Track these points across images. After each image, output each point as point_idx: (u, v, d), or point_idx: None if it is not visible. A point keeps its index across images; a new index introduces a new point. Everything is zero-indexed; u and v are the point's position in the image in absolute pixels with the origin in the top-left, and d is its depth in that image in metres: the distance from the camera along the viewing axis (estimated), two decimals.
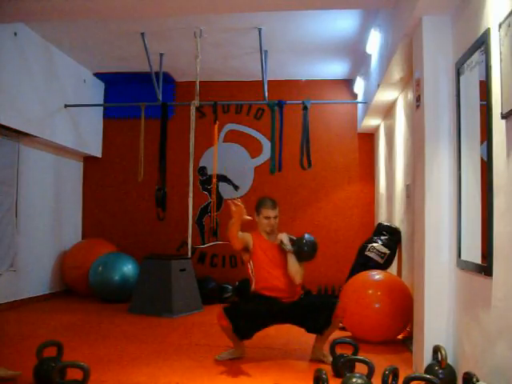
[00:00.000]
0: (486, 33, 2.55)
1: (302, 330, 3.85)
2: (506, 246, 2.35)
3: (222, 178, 7.27)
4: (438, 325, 3.18)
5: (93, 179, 7.61)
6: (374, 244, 5.20)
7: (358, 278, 4.63)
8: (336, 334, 3.88)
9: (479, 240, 2.71)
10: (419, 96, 3.43)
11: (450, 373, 2.94)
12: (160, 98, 6.56)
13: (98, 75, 7.37)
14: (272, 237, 3.89)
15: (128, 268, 6.34)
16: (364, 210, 7.25)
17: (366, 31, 5.45)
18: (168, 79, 7.12)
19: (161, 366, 3.56)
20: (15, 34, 5.41)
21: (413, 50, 3.65)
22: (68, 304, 6.23)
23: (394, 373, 2.71)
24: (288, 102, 6.35)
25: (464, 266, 2.95)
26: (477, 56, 2.73)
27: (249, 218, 3.62)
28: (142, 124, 6.52)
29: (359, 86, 6.86)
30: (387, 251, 5.14)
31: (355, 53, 6.21)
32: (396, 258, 5.33)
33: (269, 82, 6.44)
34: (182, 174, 6.61)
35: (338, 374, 3.29)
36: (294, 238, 3.80)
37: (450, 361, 3.01)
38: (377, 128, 7.02)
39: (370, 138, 7.37)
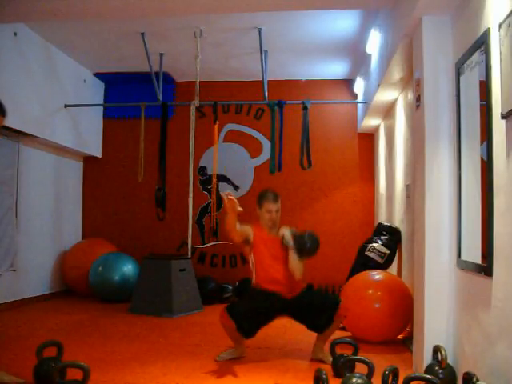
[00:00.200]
0: (486, 33, 2.55)
1: (302, 330, 3.85)
2: (506, 246, 2.35)
3: (222, 178, 7.27)
4: (437, 325, 3.18)
5: (93, 179, 7.61)
6: (374, 244, 5.20)
7: (358, 277, 4.63)
8: (336, 334, 3.88)
9: (479, 240, 2.71)
10: (419, 96, 3.42)
11: (450, 373, 2.94)
12: (160, 97, 6.56)
13: (98, 75, 7.37)
14: (274, 230, 3.86)
15: (128, 268, 6.34)
16: (364, 210, 7.25)
17: (365, 31, 5.45)
18: (168, 79, 7.12)
19: (161, 365, 3.56)
20: (15, 34, 5.41)
21: (413, 50, 3.65)
22: (68, 304, 6.23)
23: (394, 373, 2.71)
24: (288, 101, 6.35)
25: (464, 265, 2.95)
26: (477, 56, 2.73)
27: (241, 209, 3.58)
28: (141, 124, 6.52)
29: (359, 86, 6.86)
30: (387, 251, 5.13)
31: (355, 53, 6.21)
32: (396, 257, 5.33)
33: (269, 82, 6.44)
34: (182, 174, 6.61)
35: (338, 374, 3.29)
36: (297, 234, 3.77)
37: (450, 361, 3.01)
38: (377, 128, 7.02)
39: (370, 137, 7.37)
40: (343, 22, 5.40)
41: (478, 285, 2.71)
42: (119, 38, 5.94)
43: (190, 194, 6.14)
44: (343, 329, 4.59)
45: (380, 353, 3.92)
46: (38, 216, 6.36)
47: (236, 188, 7.36)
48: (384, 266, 5.10)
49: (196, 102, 6.06)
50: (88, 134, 7.27)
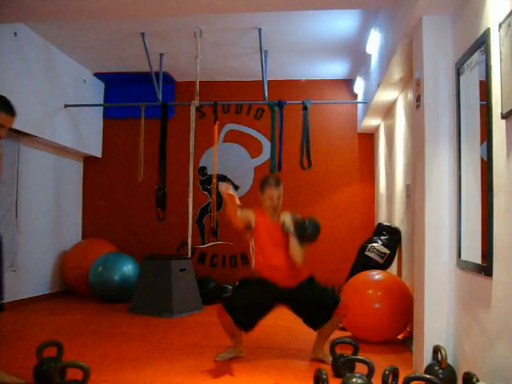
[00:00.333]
0: (486, 33, 2.55)
1: (302, 330, 3.85)
2: (506, 246, 2.35)
3: (222, 178, 7.26)
4: (437, 325, 3.18)
5: (93, 179, 7.61)
6: (374, 244, 5.20)
7: (358, 277, 4.63)
8: (336, 334, 3.88)
9: (479, 240, 2.71)
10: (419, 96, 3.43)
11: (450, 373, 2.94)
12: (160, 97, 6.56)
13: (98, 75, 7.37)
14: (275, 216, 3.83)
15: (128, 268, 6.34)
16: (364, 209, 7.25)
17: (366, 31, 5.45)
18: (168, 79, 7.12)
19: (161, 365, 3.56)
20: (15, 34, 5.41)
21: (413, 50, 3.65)
22: (68, 304, 6.23)
23: (394, 373, 2.71)
24: (288, 101, 6.36)
25: (464, 265, 2.95)
26: (477, 56, 2.73)
27: (239, 203, 3.58)
28: (141, 124, 6.52)
29: (359, 86, 6.86)
30: (387, 251, 5.13)
31: (355, 53, 6.21)
32: (396, 257, 5.33)
33: (269, 82, 6.43)
34: (182, 174, 6.61)
35: (338, 374, 3.29)
36: (298, 219, 3.73)
37: (450, 361, 3.01)
38: (377, 128, 7.02)
39: (370, 137, 7.37)
40: (343, 22, 5.40)
41: (478, 285, 2.71)
42: (119, 38, 5.94)
43: (190, 194, 6.13)
44: (343, 329, 4.59)
45: (380, 353, 3.92)
46: (38, 216, 6.36)
47: (236, 188, 7.35)
48: (384, 265, 5.10)
49: (196, 102, 6.06)
50: (88, 133, 7.27)
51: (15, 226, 5.76)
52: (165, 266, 5.63)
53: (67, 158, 7.14)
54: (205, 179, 7.42)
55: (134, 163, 6.79)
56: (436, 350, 3.02)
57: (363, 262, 5.12)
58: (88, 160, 7.59)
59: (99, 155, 7.58)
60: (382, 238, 5.27)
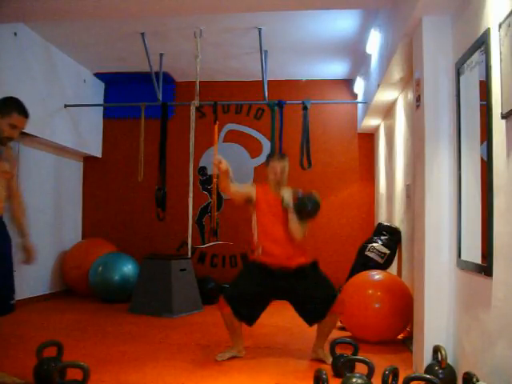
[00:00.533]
0: (486, 33, 2.55)
1: (302, 330, 3.85)
2: (505, 246, 2.35)
3: None
4: (437, 325, 3.18)
5: (93, 179, 7.61)
6: (374, 244, 5.20)
7: (358, 277, 4.63)
8: (336, 334, 3.88)
9: (479, 240, 2.71)
10: (419, 96, 3.43)
11: (450, 373, 2.94)
12: (160, 97, 6.56)
13: (98, 75, 7.37)
14: (279, 189, 3.82)
15: (128, 268, 6.34)
16: (364, 209, 7.25)
17: (366, 31, 5.45)
18: (168, 79, 7.12)
19: (161, 366, 3.56)
20: (15, 34, 5.41)
21: (413, 50, 3.65)
22: (68, 304, 6.23)
23: (394, 373, 2.71)
24: (288, 101, 6.36)
25: (464, 265, 2.95)
26: (477, 56, 2.73)
27: (230, 172, 3.62)
28: (141, 124, 6.52)
29: (359, 86, 6.86)
30: (387, 251, 5.14)
31: (355, 53, 6.21)
32: (396, 257, 5.33)
33: (269, 82, 6.44)
34: (182, 173, 6.60)
35: (338, 374, 3.28)
36: (299, 195, 3.70)
37: (449, 361, 3.01)
38: (377, 128, 7.02)
39: (369, 137, 7.37)
40: (343, 22, 5.40)
41: (478, 285, 2.71)
42: (119, 38, 5.94)
43: (190, 194, 6.13)
44: (343, 329, 4.59)
45: (380, 353, 3.92)
46: (38, 216, 6.34)
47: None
48: (384, 265, 5.10)
49: (196, 102, 6.06)
50: (88, 134, 7.27)
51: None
52: (165, 266, 5.64)
53: (67, 157, 7.14)
54: (205, 179, 7.42)
55: (134, 163, 6.79)
56: (436, 349, 3.02)
57: (363, 262, 5.12)
58: (88, 160, 7.59)
59: (99, 155, 7.58)
60: (382, 237, 5.27)
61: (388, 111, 6.11)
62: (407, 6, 3.53)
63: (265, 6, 4.54)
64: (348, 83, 7.30)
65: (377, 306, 4.24)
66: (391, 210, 5.91)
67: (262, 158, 7.35)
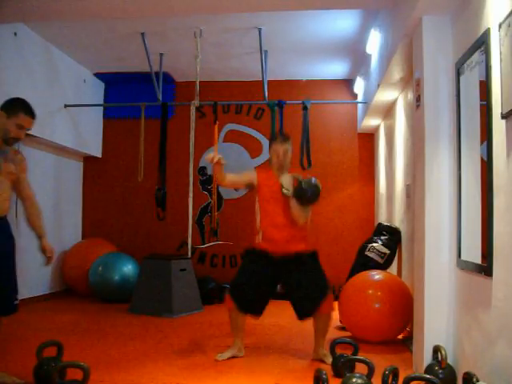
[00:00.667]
0: (486, 33, 2.55)
1: (302, 330, 3.85)
2: (506, 246, 2.35)
3: None
4: (438, 325, 3.18)
5: (93, 179, 7.61)
6: (374, 244, 5.20)
7: (358, 277, 4.63)
8: (336, 334, 3.88)
9: (479, 240, 2.71)
10: (419, 96, 3.42)
11: (450, 373, 2.94)
12: (160, 97, 6.56)
13: (98, 75, 7.37)
14: (281, 172, 3.80)
15: (128, 268, 6.34)
16: (364, 209, 7.25)
17: (366, 31, 5.45)
18: (168, 79, 7.12)
19: (161, 366, 3.56)
20: (15, 34, 5.41)
21: (413, 50, 3.65)
22: (68, 304, 6.23)
23: (394, 373, 2.71)
24: (288, 102, 6.36)
25: (464, 265, 2.95)
26: (477, 56, 2.73)
27: (224, 161, 3.63)
28: (141, 124, 6.52)
29: (359, 86, 6.86)
30: (387, 251, 5.13)
31: (355, 53, 6.21)
32: (396, 257, 5.33)
33: (269, 82, 6.44)
34: (182, 173, 6.60)
35: (338, 374, 3.28)
36: (299, 180, 3.63)
37: (450, 361, 3.01)
38: (377, 128, 7.02)
39: (370, 137, 7.37)
40: (343, 22, 5.40)
41: (478, 285, 2.71)
42: (119, 38, 5.94)
43: (190, 194, 6.13)
44: (343, 329, 4.59)
45: (380, 353, 3.92)
46: None
47: (236, 188, 7.35)
48: (384, 265, 5.09)
49: (196, 102, 6.06)
50: (88, 134, 7.27)
51: (15, 226, 5.75)
52: (165, 266, 5.63)
53: (67, 157, 7.13)
54: (205, 179, 7.42)
55: (134, 163, 6.79)
56: (436, 349, 3.02)
57: (363, 262, 5.12)
58: (88, 160, 7.59)
59: (99, 155, 7.58)
60: (382, 237, 5.27)
61: (388, 111, 6.11)
62: (407, 6, 3.53)
63: (265, 5, 4.54)
64: (348, 83, 7.30)
65: (377, 305, 4.24)
66: (391, 210, 5.91)
67: (261, 158, 7.35)
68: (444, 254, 3.19)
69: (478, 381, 2.41)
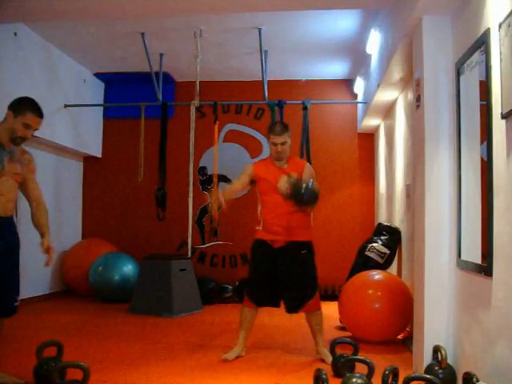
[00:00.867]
0: (486, 33, 2.55)
1: (302, 330, 3.85)
2: (505, 246, 2.35)
3: (222, 178, 7.25)
4: (438, 325, 3.18)
5: (93, 179, 7.61)
6: (374, 244, 5.19)
7: (358, 277, 4.63)
8: (336, 334, 3.88)
9: (479, 240, 2.71)
10: (419, 96, 3.42)
11: (450, 373, 2.94)
12: (160, 97, 6.56)
13: (98, 75, 7.37)
14: (280, 162, 3.81)
15: (128, 268, 6.34)
16: (364, 209, 7.25)
17: (365, 31, 5.45)
18: (168, 79, 7.12)
19: (161, 366, 3.56)
20: (15, 34, 5.41)
21: (413, 50, 3.65)
22: (68, 304, 6.23)
23: (394, 373, 2.71)
24: (288, 101, 6.36)
25: (464, 265, 2.95)
26: (477, 56, 2.73)
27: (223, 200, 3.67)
28: (141, 124, 6.52)
29: (359, 86, 6.86)
30: (387, 251, 5.13)
31: (355, 53, 6.21)
32: (396, 257, 5.33)
33: (269, 82, 6.44)
34: (182, 173, 6.61)
35: (338, 374, 3.29)
36: (296, 182, 3.52)
37: (450, 361, 3.01)
38: (377, 128, 7.02)
39: (370, 138, 7.37)
40: (343, 22, 5.40)
41: (478, 285, 2.71)
42: (119, 38, 5.94)
43: (190, 194, 6.13)
44: (343, 329, 4.59)
45: (380, 353, 3.92)
46: None
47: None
48: (384, 265, 5.09)
49: (196, 102, 6.06)
50: (88, 134, 7.27)
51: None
52: (165, 266, 5.64)
53: (67, 158, 7.13)
54: (205, 179, 7.42)
55: (134, 163, 6.79)
56: (436, 350, 3.02)
57: (363, 262, 5.12)
58: (88, 160, 7.59)
59: (99, 155, 7.58)
60: (382, 237, 5.27)
61: (388, 111, 6.11)
62: (407, 5, 3.53)
63: (265, 5, 4.54)
64: (348, 83, 7.30)
65: (377, 305, 4.24)
66: (391, 210, 5.91)
67: (262, 158, 7.34)
68: (444, 254, 3.20)
69: (477, 381, 2.41)
